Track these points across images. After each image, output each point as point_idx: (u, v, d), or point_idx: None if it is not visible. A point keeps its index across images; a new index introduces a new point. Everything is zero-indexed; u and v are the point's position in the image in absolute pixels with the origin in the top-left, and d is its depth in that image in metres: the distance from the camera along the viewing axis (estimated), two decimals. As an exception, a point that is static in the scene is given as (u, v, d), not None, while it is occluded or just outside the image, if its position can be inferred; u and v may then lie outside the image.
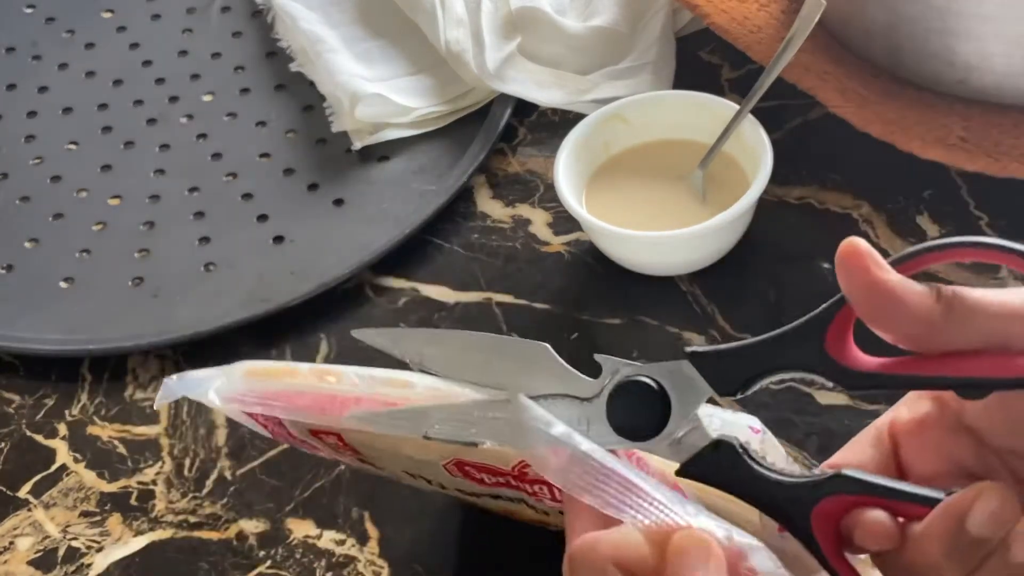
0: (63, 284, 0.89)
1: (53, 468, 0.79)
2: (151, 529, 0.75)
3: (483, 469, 0.59)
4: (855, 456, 0.52)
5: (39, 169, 0.96)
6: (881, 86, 0.85)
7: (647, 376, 0.51)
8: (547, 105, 0.93)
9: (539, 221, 0.87)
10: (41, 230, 0.92)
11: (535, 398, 0.52)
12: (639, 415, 0.50)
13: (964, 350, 0.47)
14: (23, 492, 0.78)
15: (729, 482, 0.50)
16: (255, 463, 0.77)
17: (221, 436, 0.79)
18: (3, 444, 0.80)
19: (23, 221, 0.93)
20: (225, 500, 0.76)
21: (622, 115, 0.85)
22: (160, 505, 0.76)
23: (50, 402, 0.82)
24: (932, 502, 0.47)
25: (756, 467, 0.49)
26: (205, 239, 0.90)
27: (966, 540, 0.46)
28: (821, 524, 0.49)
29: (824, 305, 0.48)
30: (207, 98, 1.00)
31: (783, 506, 0.49)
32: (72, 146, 0.98)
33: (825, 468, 0.50)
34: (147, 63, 1.03)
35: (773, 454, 0.57)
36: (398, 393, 0.57)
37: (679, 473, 0.50)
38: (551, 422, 0.50)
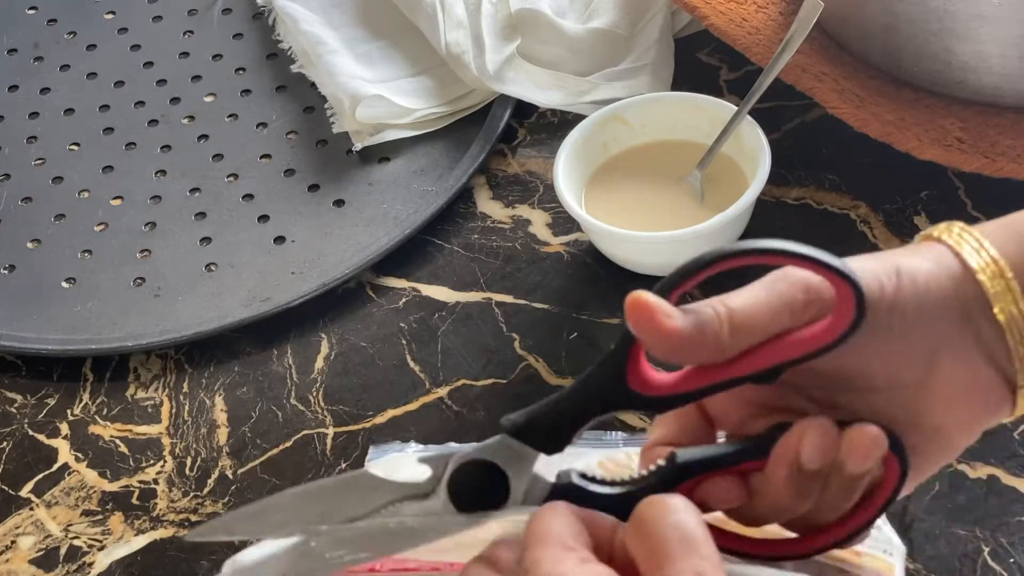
0: (65, 284, 0.89)
1: (55, 467, 0.79)
2: (153, 528, 0.76)
3: None
4: (668, 431, 0.54)
5: (41, 170, 0.97)
6: (879, 87, 0.85)
7: (477, 457, 0.52)
8: (547, 106, 0.93)
9: (539, 221, 0.87)
10: (43, 230, 0.92)
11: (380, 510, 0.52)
12: (483, 492, 0.52)
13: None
14: (25, 491, 0.78)
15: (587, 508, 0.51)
16: (256, 462, 0.78)
17: (222, 435, 0.79)
18: (5, 443, 0.81)
19: (25, 221, 0.93)
20: (226, 499, 0.76)
21: (621, 116, 0.85)
22: (162, 504, 0.76)
23: (52, 402, 0.83)
24: (763, 452, 0.51)
25: (601, 488, 0.52)
26: (206, 239, 0.90)
27: (805, 476, 0.51)
28: None
29: (616, 344, 0.50)
30: (208, 99, 1.00)
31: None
32: (74, 147, 0.98)
33: (654, 450, 0.53)
34: (148, 64, 1.03)
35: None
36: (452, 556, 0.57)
37: None
38: None
